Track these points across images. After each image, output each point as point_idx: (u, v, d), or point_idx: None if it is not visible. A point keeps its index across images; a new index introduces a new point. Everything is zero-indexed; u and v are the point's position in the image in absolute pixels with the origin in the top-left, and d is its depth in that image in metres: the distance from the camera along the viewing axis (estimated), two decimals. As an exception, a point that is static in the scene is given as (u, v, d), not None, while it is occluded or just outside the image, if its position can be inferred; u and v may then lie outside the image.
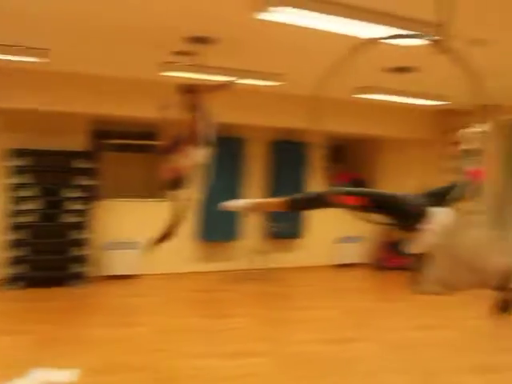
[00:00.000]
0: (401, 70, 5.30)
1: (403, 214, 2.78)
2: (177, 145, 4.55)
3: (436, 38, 2.84)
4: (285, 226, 7.68)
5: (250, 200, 3.26)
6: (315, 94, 2.66)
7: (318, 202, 3.11)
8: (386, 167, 9.36)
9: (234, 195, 7.77)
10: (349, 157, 10.14)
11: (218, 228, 7.93)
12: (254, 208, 3.24)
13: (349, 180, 9.00)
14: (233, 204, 3.23)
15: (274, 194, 8.25)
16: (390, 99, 6.88)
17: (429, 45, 2.80)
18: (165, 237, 4.64)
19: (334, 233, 8.79)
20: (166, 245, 7.55)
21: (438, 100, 6.79)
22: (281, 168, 8.30)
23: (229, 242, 8.20)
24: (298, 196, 3.28)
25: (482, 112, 2.93)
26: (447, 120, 8.67)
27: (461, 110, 8.29)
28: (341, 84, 6.44)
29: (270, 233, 8.10)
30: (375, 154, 9.58)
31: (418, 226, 2.68)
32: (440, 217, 2.67)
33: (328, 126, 8.26)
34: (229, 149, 7.59)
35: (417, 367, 4.68)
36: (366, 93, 6.44)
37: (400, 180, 9.29)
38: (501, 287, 2.58)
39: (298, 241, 8.72)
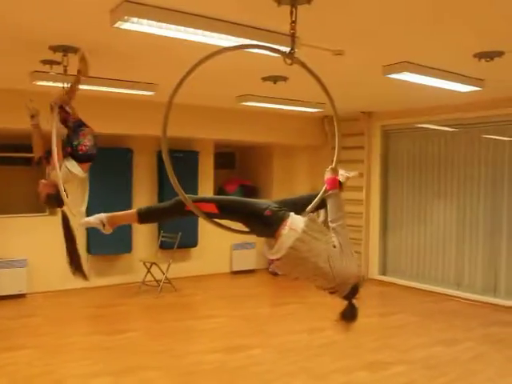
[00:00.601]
0: (278, 78, 5.46)
1: (257, 220, 2.86)
2: (49, 157, 4.39)
3: (288, 49, 2.97)
4: (177, 236, 7.63)
5: (103, 214, 3.14)
6: (168, 101, 2.67)
7: (171, 211, 3.11)
8: (276, 173, 9.60)
9: (121, 205, 7.65)
10: (238, 163, 10.30)
11: (108, 241, 7.72)
12: (108, 222, 3.12)
13: (238, 186, 9.13)
14: (86, 220, 3.15)
15: (162, 202, 8.22)
16: (271, 107, 7.13)
17: (284, 56, 2.92)
18: (72, 255, 4.38)
19: (230, 240, 8.87)
20: (54, 261, 7.38)
21: (316, 107, 7.09)
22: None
23: (121, 255, 8.04)
24: (149, 207, 3.28)
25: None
26: (332, 126, 9.04)
27: (343, 117, 8.70)
28: (223, 93, 6.66)
29: (163, 243, 8.02)
30: (264, 160, 9.79)
31: (275, 231, 2.78)
32: (295, 222, 2.77)
33: (215, 133, 8.48)
34: (116, 160, 7.48)
35: (308, 369, 4.78)
36: (247, 101, 6.62)
37: (290, 185, 9.60)
38: (348, 295, 2.74)
39: (193, 249, 8.70)
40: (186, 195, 2.73)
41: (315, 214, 2.92)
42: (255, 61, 4.54)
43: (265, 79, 5.48)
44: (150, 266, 7.67)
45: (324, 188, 2.87)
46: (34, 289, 7.38)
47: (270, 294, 8.30)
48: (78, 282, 7.58)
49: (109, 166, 7.22)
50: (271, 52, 2.90)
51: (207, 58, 2.57)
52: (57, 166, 3.99)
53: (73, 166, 4.30)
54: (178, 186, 2.59)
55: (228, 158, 10.02)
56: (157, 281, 7.68)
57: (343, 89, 6.09)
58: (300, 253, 2.64)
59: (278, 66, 4.77)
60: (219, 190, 9.11)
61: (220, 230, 2.90)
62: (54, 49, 4.28)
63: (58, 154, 4.00)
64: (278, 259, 2.71)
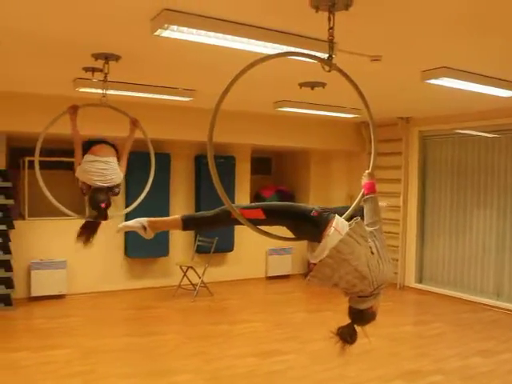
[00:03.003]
0: (316, 84, 5.46)
1: (304, 221, 2.87)
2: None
3: (326, 56, 2.97)
4: (214, 240, 7.69)
5: (144, 218, 3.14)
6: (215, 107, 2.71)
7: (216, 220, 3.14)
8: (313, 179, 9.57)
9: (158, 210, 7.75)
10: (274, 169, 10.32)
11: (145, 245, 7.82)
12: (150, 227, 3.12)
13: (275, 192, 9.14)
14: (126, 224, 3.17)
15: (199, 208, 8.30)
16: (308, 112, 7.13)
17: (322, 63, 2.93)
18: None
19: (266, 245, 8.89)
20: (93, 263, 7.54)
21: (353, 113, 7.07)
22: (206, 181, 8.33)
23: (158, 258, 8.15)
24: (193, 215, 3.29)
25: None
26: (369, 131, 8.99)
27: (380, 122, 8.64)
28: (261, 99, 6.70)
29: (200, 247, 8.09)
30: (301, 165, 9.78)
31: (321, 232, 2.77)
32: (341, 223, 2.77)
33: (252, 139, 8.52)
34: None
35: (343, 376, 4.75)
36: (284, 106, 6.65)
37: (326, 191, 9.57)
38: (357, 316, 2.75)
39: (229, 254, 8.75)
40: (230, 205, 2.72)
41: (358, 218, 2.89)
42: (293, 67, 4.56)
43: (302, 85, 5.49)
44: (187, 270, 7.74)
45: (361, 193, 2.87)
46: (72, 290, 7.55)
47: (304, 300, 8.28)
48: (114, 285, 7.85)
49: (147, 171, 7.32)
50: (310, 59, 2.90)
51: (252, 65, 2.60)
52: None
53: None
54: (224, 194, 2.58)
55: (264, 163, 10.05)
56: (193, 284, 7.76)
57: (380, 94, 6.05)
58: (342, 255, 2.62)
59: (315, 72, 4.81)
60: (256, 196, 9.15)
61: (256, 235, 2.90)
62: (96, 56, 4.39)
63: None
64: (318, 263, 2.70)
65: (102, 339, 5.73)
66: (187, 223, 3.15)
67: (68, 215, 4.53)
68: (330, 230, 2.72)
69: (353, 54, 4.16)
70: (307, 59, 3.10)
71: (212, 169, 2.59)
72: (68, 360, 5.07)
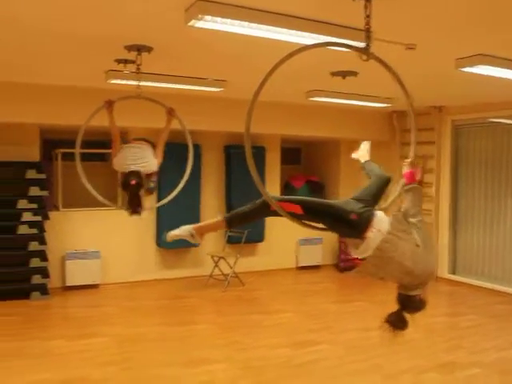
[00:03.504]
0: (345, 73, 5.41)
1: (342, 224, 2.84)
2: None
3: (363, 45, 2.93)
4: (245, 231, 7.71)
5: (190, 226, 3.16)
6: (253, 98, 2.70)
7: (256, 213, 3.13)
8: (343, 168, 9.49)
9: (190, 200, 7.81)
10: (304, 159, 10.27)
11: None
12: (197, 233, 3.14)
13: (305, 182, 9.11)
14: (174, 233, 3.17)
15: (230, 198, 8.33)
16: (339, 102, 7.07)
17: (360, 52, 2.89)
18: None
19: (297, 235, 8.87)
20: (126, 254, 7.64)
21: (385, 102, 6.98)
22: (236, 172, 8.35)
23: (189, 249, 8.20)
24: (234, 212, 3.23)
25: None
26: (401, 121, 8.88)
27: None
28: (292, 88, 6.66)
29: (231, 238, 8.12)
30: (331, 155, 9.71)
31: (362, 233, 2.76)
32: (381, 222, 2.75)
33: (282, 129, 8.48)
34: (184, 155, 7.62)
35: (377, 367, 4.73)
36: (316, 96, 6.60)
37: (356, 181, 9.47)
38: (405, 302, 2.72)
39: (260, 244, 8.76)
40: (271, 195, 2.71)
41: (399, 212, 2.85)
42: (325, 56, 4.52)
43: (334, 74, 5.44)
44: (218, 260, 7.78)
45: (402, 182, 2.83)
46: (106, 280, 7.66)
47: (335, 291, 8.25)
48: (147, 275, 7.94)
49: (177, 162, 7.37)
50: (347, 49, 2.86)
51: (290, 55, 2.60)
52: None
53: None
54: (262, 187, 2.54)
55: (294, 153, 10.02)
56: (224, 275, 7.80)
57: (413, 83, 5.91)
58: (386, 253, 2.61)
59: (347, 61, 4.77)
60: (285, 186, 9.13)
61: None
62: (129, 48, 4.41)
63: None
64: (362, 261, 2.69)
65: (136, 328, 5.81)
66: (230, 222, 3.17)
67: (106, 205, 4.63)
68: (372, 232, 2.70)
69: (388, 43, 4.10)
70: (344, 49, 3.05)
71: (249, 161, 2.58)
72: (104, 348, 5.16)
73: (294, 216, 2.73)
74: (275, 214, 2.79)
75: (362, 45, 2.89)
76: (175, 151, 5.89)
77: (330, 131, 8.48)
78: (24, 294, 6.84)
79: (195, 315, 6.51)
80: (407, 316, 2.80)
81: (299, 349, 5.18)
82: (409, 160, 2.89)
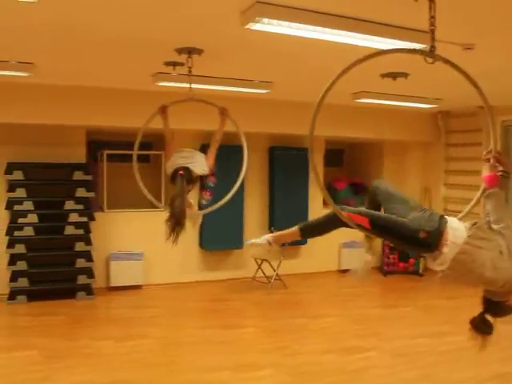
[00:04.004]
0: (395, 75, 5.30)
1: (412, 242, 2.72)
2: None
3: (429, 48, 2.85)
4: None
5: (269, 235, 3.38)
6: (318, 102, 2.64)
7: (326, 224, 3.13)
8: (386, 171, 9.34)
9: (233, 201, 7.77)
10: (346, 161, 10.14)
11: (220, 237, 7.93)
12: (274, 241, 3.33)
13: (348, 184, 8.99)
14: (255, 241, 3.39)
15: (273, 199, 8.28)
16: (386, 103, 6.95)
17: (425, 55, 2.81)
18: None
19: (340, 238, 8.75)
20: (169, 255, 7.65)
21: (432, 103, 6.84)
22: (279, 173, 8.29)
23: (233, 251, 8.19)
24: (307, 223, 3.35)
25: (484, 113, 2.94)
26: (446, 122, 8.69)
27: (458, 112, 8.34)
28: (339, 90, 6.54)
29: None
30: (374, 157, 9.57)
31: (435, 249, 2.64)
32: (455, 233, 2.61)
33: (326, 130, 8.37)
34: (229, 157, 7.60)
35: (429, 377, 4.62)
36: (363, 98, 6.50)
37: (400, 183, 9.32)
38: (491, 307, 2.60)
39: (303, 247, 8.67)
40: (339, 206, 2.67)
41: (480, 219, 2.70)
42: (377, 58, 4.41)
43: (384, 76, 5.33)
44: (261, 263, 7.74)
45: (482, 187, 2.70)
46: (149, 281, 7.70)
47: (379, 295, 8.11)
48: (190, 276, 7.95)
49: (222, 164, 7.37)
50: (412, 53, 2.78)
51: (362, 60, 2.55)
52: None
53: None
54: (328, 198, 2.52)
55: (336, 155, 9.89)
56: (267, 277, 7.75)
57: (465, 83, 5.79)
58: (463, 264, 2.50)
59: (398, 62, 4.66)
60: (328, 188, 9.03)
61: None
62: (180, 51, 4.39)
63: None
64: (441, 272, 2.59)
65: (182, 330, 5.82)
66: (304, 232, 3.27)
67: (150, 206, 4.64)
68: (446, 246, 2.57)
69: (445, 43, 3.98)
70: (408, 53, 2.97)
71: (313, 170, 2.52)
72: (151, 350, 5.18)
73: (363, 229, 2.66)
74: (346, 225, 2.72)
75: (422, 47, 2.82)
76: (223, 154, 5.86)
77: (374, 132, 8.34)
78: (70, 294, 6.93)
79: (240, 318, 6.48)
80: (491, 319, 2.66)
81: (347, 355, 5.10)
82: (489, 163, 2.69)
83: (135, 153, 4.51)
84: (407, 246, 2.86)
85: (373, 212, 2.93)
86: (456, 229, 2.61)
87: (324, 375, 4.64)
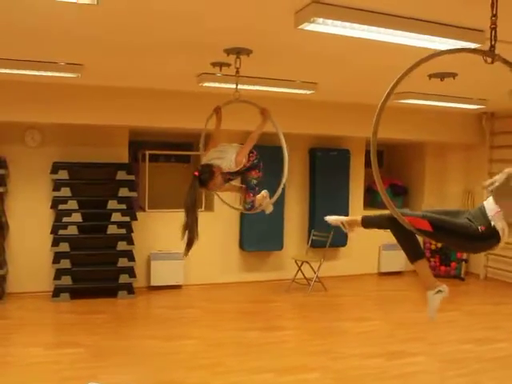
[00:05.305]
0: (444, 75, 5.21)
1: (475, 238, 2.75)
2: None
3: (489, 47, 2.78)
4: (329, 235, 7.58)
5: (344, 218, 3.51)
6: (380, 105, 2.63)
7: (385, 224, 3.10)
8: (428, 172, 9.20)
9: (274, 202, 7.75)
10: (386, 162, 10.01)
11: (260, 238, 7.91)
12: (347, 224, 3.47)
13: (389, 186, 8.87)
14: (332, 218, 3.53)
15: (314, 200, 8.23)
16: (429, 104, 6.83)
17: (484, 55, 2.75)
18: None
19: (380, 240, 8.64)
20: (209, 255, 7.67)
21: (478, 104, 6.70)
22: (320, 175, 8.24)
23: (272, 252, 8.17)
24: (371, 216, 3.39)
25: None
26: (490, 123, 8.50)
27: (503, 114, 8.15)
28: (384, 90, 6.45)
29: (314, 242, 8.01)
30: (415, 158, 9.44)
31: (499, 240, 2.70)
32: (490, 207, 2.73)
33: (368, 131, 8.25)
34: (269, 157, 7.58)
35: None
36: (407, 98, 6.40)
37: (442, 185, 9.19)
38: None
39: (343, 249, 8.61)
40: (399, 210, 2.62)
41: None
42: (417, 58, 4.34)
43: (432, 76, 5.23)
44: (301, 264, 7.69)
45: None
46: (189, 281, 7.72)
47: (420, 298, 7.89)
48: (229, 277, 7.96)
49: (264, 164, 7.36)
50: (472, 53, 2.71)
51: (421, 62, 2.50)
52: None
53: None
54: (388, 201, 2.43)
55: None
56: (306, 279, 7.70)
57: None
58: None
59: (446, 63, 4.57)
60: (368, 189, 8.93)
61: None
62: (228, 51, 4.39)
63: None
64: None
65: (224, 331, 5.81)
66: (364, 223, 3.39)
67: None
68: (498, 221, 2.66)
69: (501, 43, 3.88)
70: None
71: (375, 172, 2.47)
72: (194, 351, 5.18)
73: (424, 233, 2.66)
74: (403, 228, 2.67)
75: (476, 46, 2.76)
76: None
77: (416, 134, 8.20)
78: (112, 293, 7.01)
79: (281, 320, 6.45)
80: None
81: (394, 359, 5.01)
82: None
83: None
84: (471, 245, 2.85)
85: (434, 215, 2.89)
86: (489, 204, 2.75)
87: (371, 379, 4.57)
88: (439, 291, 3.12)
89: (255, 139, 4.28)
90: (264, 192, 4.50)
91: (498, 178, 2.79)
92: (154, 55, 4.70)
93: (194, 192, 3.77)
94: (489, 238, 2.67)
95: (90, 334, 5.53)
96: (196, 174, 3.84)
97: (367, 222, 3.34)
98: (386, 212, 2.94)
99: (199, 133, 4.86)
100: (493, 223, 2.66)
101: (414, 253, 3.12)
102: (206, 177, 3.89)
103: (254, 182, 4.35)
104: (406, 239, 3.06)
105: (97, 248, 7.07)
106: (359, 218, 3.41)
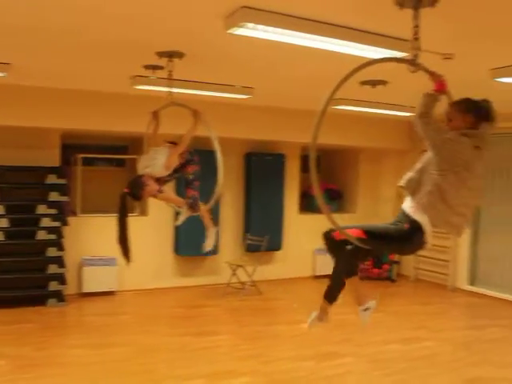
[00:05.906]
0: (372, 82, 5.35)
1: (404, 237, 2.87)
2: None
3: (412, 57, 2.90)
4: (264, 239, 7.63)
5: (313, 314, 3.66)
6: (321, 112, 2.76)
7: (342, 269, 3.40)
8: (362, 177, 9.42)
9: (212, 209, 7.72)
10: (322, 167, 10.18)
11: (195, 243, 7.83)
12: (321, 311, 3.66)
13: (323, 190, 9.02)
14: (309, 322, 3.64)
15: (249, 205, 8.26)
16: (363, 110, 7.00)
17: (408, 64, 2.86)
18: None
19: (314, 244, 8.75)
20: (143, 260, 7.55)
21: (411, 111, 6.89)
22: (256, 180, 8.28)
23: (207, 257, 8.12)
24: (327, 289, 3.72)
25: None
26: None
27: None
28: (317, 96, 6.55)
29: (250, 246, 8.03)
30: (350, 164, 9.65)
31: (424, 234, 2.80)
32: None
33: (303, 137, 8.36)
34: (204, 161, 7.56)
35: (405, 383, 4.64)
36: (340, 105, 6.52)
37: (375, 190, 9.42)
38: None
39: (278, 253, 8.67)
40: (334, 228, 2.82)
41: None
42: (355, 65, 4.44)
43: (364, 83, 5.37)
44: (236, 269, 7.69)
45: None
46: (122, 287, 7.58)
47: (352, 301, 8.11)
48: (164, 282, 7.86)
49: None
50: (397, 62, 2.82)
51: (358, 68, 2.62)
52: None
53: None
54: (325, 207, 2.59)
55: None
56: (241, 283, 7.71)
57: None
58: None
59: (378, 70, 4.69)
60: (303, 194, 9.05)
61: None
62: (160, 54, 4.34)
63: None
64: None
65: (157, 338, 5.73)
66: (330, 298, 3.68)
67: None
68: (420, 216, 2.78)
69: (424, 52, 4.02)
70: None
71: (314, 177, 2.55)
72: (126, 358, 5.08)
73: (359, 241, 2.83)
74: (356, 257, 3.12)
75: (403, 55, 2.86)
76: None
77: (350, 139, 8.38)
78: (40, 301, 6.76)
79: (215, 325, 6.42)
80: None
81: (324, 361, 5.09)
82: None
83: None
84: (402, 245, 2.98)
85: (364, 224, 3.10)
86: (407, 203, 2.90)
87: (300, 382, 4.63)
88: (367, 308, 3.38)
89: (186, 142, 4.27)
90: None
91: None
92: (84, 55, 4.59)
93: (121, 209, 3.94)
94: (415, 234, 2.80)
95: (16, 345, 5.31)
96: (126, 190, 3.93)
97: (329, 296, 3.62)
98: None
99: (134, 136, 4.81)
100: (414, 218, 2.78)
101: (348, 271, 3.39)
102: (136, 191, 3.99)
103: (191, 176, 4.35)
104: (345, 262, 3.33)
105: (25, 254, 6.82)
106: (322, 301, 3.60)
